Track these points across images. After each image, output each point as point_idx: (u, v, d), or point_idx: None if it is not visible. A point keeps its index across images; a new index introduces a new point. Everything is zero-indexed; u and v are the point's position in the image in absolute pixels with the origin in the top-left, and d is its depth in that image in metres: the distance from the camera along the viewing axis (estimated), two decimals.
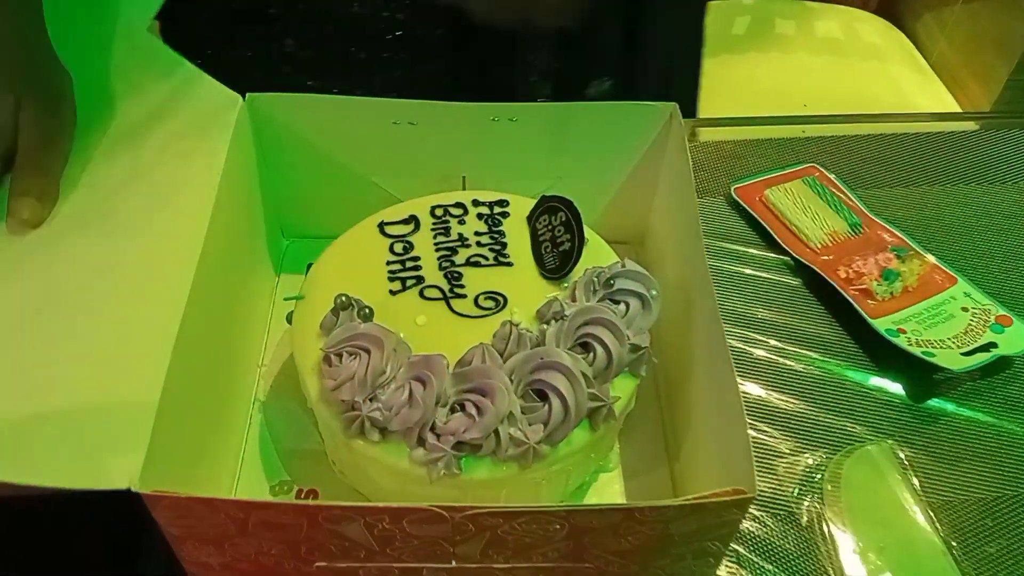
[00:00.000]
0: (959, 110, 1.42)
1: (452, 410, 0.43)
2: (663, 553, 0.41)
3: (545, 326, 0.46)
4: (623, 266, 0.48)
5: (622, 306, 0.47)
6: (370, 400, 0.43)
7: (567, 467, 0.46)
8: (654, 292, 0.48)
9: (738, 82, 1.31)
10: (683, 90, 0.76)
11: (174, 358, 0.40)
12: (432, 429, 0.43)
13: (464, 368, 0.44)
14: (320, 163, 0.57)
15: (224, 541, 0.39)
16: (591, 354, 0.45)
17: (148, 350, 0.41)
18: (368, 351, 0.44)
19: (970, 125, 0.78)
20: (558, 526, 0.38)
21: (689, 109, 0.78)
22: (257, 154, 0.56)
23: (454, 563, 0.41)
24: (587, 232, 0.51)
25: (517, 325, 0.46)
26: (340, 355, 0.44)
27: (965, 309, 0.59)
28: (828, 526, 0.51)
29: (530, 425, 0.43)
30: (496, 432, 0.42)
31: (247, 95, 0.52)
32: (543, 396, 0.44)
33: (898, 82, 1.46)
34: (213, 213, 0.46)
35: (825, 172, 0.70)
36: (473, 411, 0.42)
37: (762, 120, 0.79)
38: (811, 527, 0.50)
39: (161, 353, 0.40)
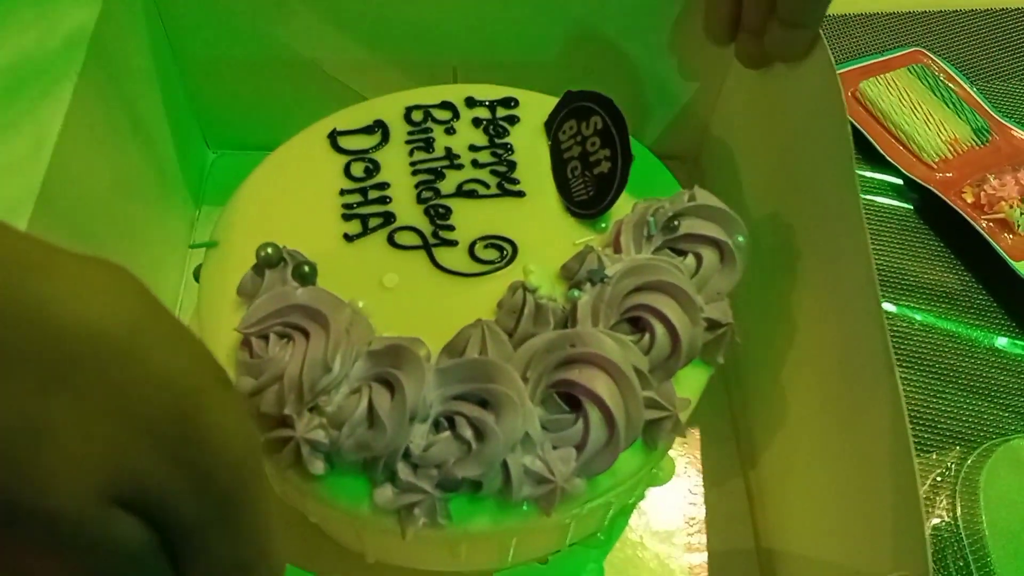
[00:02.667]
0: None
1: (437, 427, 0.28)
2: None
3: (576, 292, 0.31)
4: (691, 199, 0.32)
5: (691, 260, 0.32)
6: (309, 412, 0.28)
7: (608, 500, 0.31)
8: (741, 238, 0.32)
9: None
10: None
11: None
12: (406, 458, 0.28)
13: (455, 361, 0.29)
14: (254, 45, 0.41)
15: None
16: (647, 336, 0.30)
17: None
18: (306, 333, 0.29)
19: None
20: None
21: None
22: (160, 31, 0.39)
23: None
24: (634, 146, 0.34)
25: (534, 291, 0.30)
26: (265, 339, 0.29)
27: None
28: (964, 554, 0.36)
29: (556, 450, 0.28)
30: (505, 465, 0.27)
31: None
32: (576, 404, 0.28)
33: None
34: (71, 113, 0.30)
35: (935, 59, 0.52)
36: (468, 432, 0.27)
37: None
38: (941, 556, 0.36)
39: None
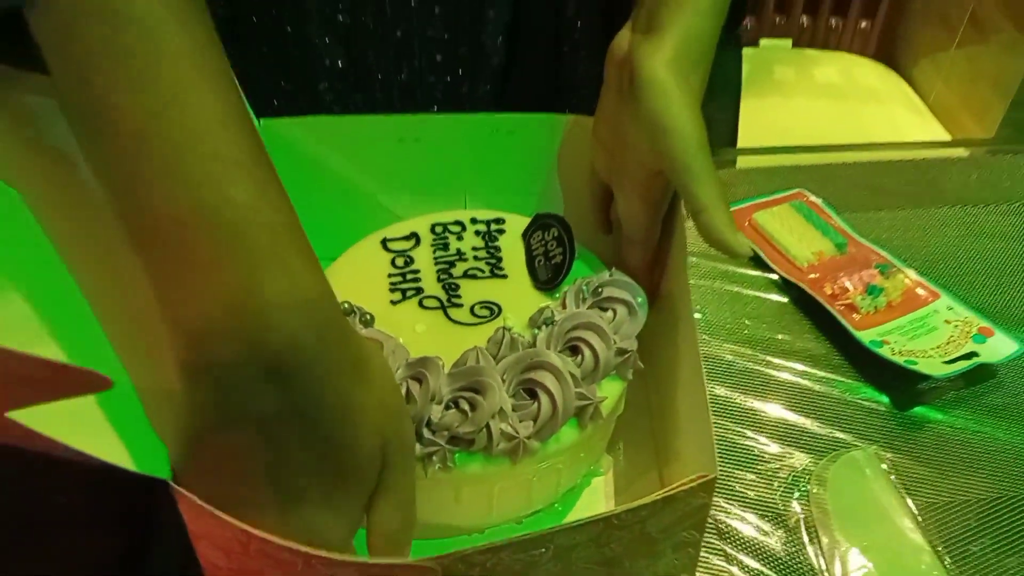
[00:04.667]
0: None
1: (447, 407, 0.46)
2: (646, 553, 0.42)
3: (536, 331, 0.49)
4: (611, 275, 0.51)
5: (610, 313, 0.50)
6: None
7: (556, 465, 0.48)
8: (640, 300, 0.50)
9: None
10: (724, 126, 0.81)
11: None
12: (428, 425, 0.45)
13: (459, 368, 0.47)
14: (331, 183, 0.61)
15: (231, 553, 0.41)
16: (579, 356, 0.48)
17: None
18: None
19: (959, 152, 0.81)
20: (543, 550, 0.39)
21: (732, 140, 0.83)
22: None
23: None
24: (578, 246, 0.54)
25: (510, 330, 0.49)
26: None
27: (948, 322, 0.61)
28: (815, 526, 0.52)
29: (520, 421, 0.45)
30: (488, 427, 0.45)
31: (262, 120, 0.56)
32: (533, 394, 0.46)
33: (896, 122, 1.50)
34: None
35: (811, 197, 0.73)
36: (467, 407, 0.45)
37: (750, 151, 0.82)
38: (798, 528, 0.52)
39: None
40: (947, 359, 0.58)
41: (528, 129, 0.60)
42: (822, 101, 1.54)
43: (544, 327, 0.49)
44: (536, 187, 0.61)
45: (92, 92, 0.33)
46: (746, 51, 1.63)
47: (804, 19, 1.69)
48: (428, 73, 0.66)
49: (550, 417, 0.45)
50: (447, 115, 0.59)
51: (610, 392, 0.48)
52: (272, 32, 0.62)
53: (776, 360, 0.61)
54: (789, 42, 1.68)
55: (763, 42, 1.67)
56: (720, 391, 0.59)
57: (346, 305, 0.49)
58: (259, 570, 0.41)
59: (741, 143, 0.83)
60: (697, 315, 0.64)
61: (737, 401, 0.59)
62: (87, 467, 0.40)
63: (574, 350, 0.48)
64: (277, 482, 0.37)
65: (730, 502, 0.53)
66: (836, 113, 1.50)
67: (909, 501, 0.53)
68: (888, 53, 1.69)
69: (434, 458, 0.45)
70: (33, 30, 0.33)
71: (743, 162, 0.80)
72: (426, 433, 0.45)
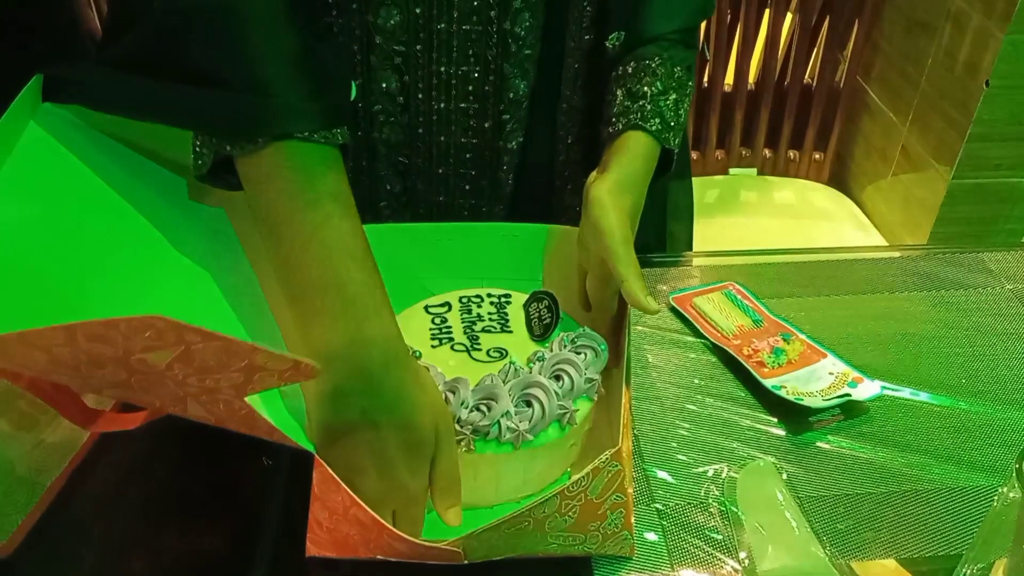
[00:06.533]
0: None
1: (471, 410, 0.69)
2: (595, 516, 0.63)
3: (532, 365, 0.73)
4: (583, 331, 0.75)
5: (582, 354, 0.74)
6: None
7: (544, 454, 0.70)
8: (602, 346, 0.74)
9: (704, 241, 1.59)
10: (682, 236, 1.08)
11: None
12: (458, 422, 0.68)
13: (480, 386, 0.70)
14: (390, 270, 0.84)
15: (334, 514, 0.63)
16: (561, 380, 0.71)
17: None
18: None
19: (854, 254, 1.06)
20: (526, 523, 0.61)
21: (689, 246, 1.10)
22: None
23: (466, 561, 0.64)
24: (561, 313, 0.78)
25: (514, 363, 0.72)
26: None
27: (831, 373, 0.84)
28: (728, 511, 0.74)
29: (520, 420, 0.68)
30: (498, 423, 0.68)
31: None
32: (529, 404, 0.69)
33: (843, 237, 1.77)
34: None
35: (739, 287, 0.97)
36: (484, 410, 0.68)
37: (703, 253, 1.08)
38: (715, 512, 0.73)
39: None
40: (827, 397, 0.81)
41: (527, 235, 0.85)
42: (781, 220, 1.82)
43: (538, 362, 0.73)
44: (532, 273, 0.86)
45: (271, 210, 0.58)
46: (716, 178, 1.93)
47: (766, 151, 1.99)
48: (459, 197, 0.92)
49: (540, 418, 0.68)
50: (472, 224, 0.84)
51: (581, 407, 0.71)
52: (349, 168, 0.89)
53: (708, 400, 0.84)
54: (754, 171, 1.97)
55: (732, 171, 1.96)
56: (668, 421, 0.82)
57: None
58: (347, 532, 0.63)
59: (710, 250, 1.08)
60: (657, 370, 0.88)
61: (679, 428, 0.81)
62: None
63: (557, 377, 0.72)
64: (376, 453, 0.60)
65: (668, 495, 0.75)
66: (792, 229, 1.77)
67: (795, 495, 0.75)
68: (838, 179, 1.98)
69: (462, 444, 0.68)
70: (237, 168, 0.59)
71: (697, 261, 1.06)
72: (456, 427, 0.68)
